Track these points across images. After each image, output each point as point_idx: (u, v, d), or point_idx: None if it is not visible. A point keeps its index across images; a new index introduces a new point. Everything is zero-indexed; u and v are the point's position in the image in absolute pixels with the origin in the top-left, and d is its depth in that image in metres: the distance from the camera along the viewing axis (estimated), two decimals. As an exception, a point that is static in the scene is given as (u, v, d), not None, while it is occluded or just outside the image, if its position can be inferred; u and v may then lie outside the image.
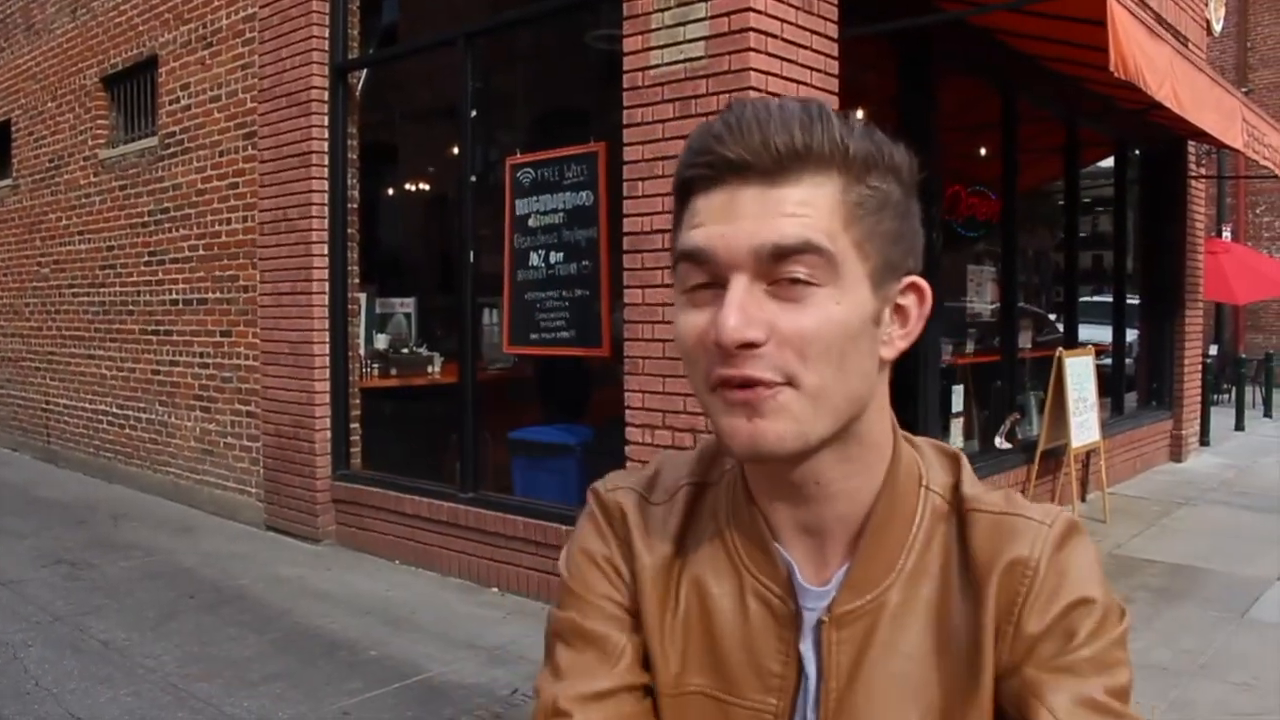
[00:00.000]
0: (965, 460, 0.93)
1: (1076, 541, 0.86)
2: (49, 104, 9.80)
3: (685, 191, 0.86)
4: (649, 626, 0.93)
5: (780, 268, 0.79)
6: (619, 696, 0.92)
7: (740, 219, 0.79)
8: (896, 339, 0.87)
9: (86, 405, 9.37)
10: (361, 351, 6.91)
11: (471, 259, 6.09)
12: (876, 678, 0.85)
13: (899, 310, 0.87)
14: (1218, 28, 10.20)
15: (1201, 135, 7.52)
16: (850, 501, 0.87)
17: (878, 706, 0.85)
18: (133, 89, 8.79)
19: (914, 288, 0.87)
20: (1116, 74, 4.53)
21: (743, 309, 0.78)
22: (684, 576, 0.94)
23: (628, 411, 4.98)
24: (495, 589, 5.67)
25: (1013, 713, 0.83)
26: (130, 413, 8.71)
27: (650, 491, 0.98)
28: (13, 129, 10.56)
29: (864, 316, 0.81)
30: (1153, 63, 4.86)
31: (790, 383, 0.79)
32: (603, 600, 0.96)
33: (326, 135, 6.73)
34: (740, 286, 0.79)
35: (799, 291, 0.79)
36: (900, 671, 0.85)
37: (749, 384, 0.79)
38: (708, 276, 0.81)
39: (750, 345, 0.78)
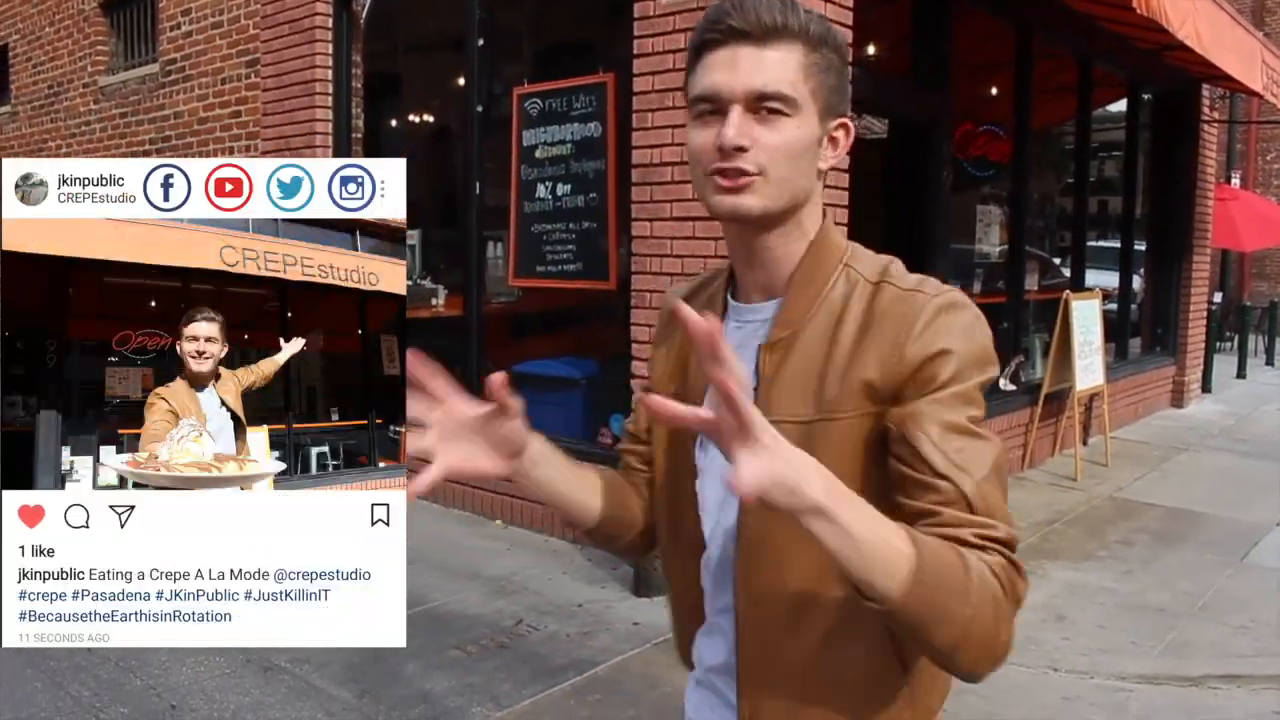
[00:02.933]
0: (898, 263, 1.28)
1: (955, 310, 1.17)
2: (47, 29, 9.65)
3: (699, 49, 1.22)
4: (654, 357, 1.44)
5: (762, 103, 1.17)
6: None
7: (738, 69, 1.18)
8: (829, 157, 1.27)
9: (88, 335, 9.35)
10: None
11: (477, 191, 6.03)
12: (784, 380, 1.22)
13: (832, 139, 1.26)
14: (1237, -32, 10.01)
15: (1219, 77, 7.41)
16: (789, 265, 1.27)
17: (784, 399, 1.21)
18: (132, 14, 8.65)
19: (844, 125, 1.27)
20: (1140, 11, 4.44)
21: (737, 126, 1.17)
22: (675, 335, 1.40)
23: (633, 345, 4.96)
24: (498, 521, 5.69)
25: (896, 431, 1.14)
26: (133, 343, 8.69)
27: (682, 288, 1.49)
28: (10, 54, 10.41)
29: (812, 138, 1.22)
30: (1175, 1, 4.77)
31: (762, 173, 1.18)
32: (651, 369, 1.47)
33: (330, 64, 6.64)
34: (736, 113, 1.17)
35: (773, 119, 1.18)
36: (801, 377, 1.21)
37: (738, 174, 1.18)
38: (713, 106, 1.19)
39: (740, 149, 1.17)
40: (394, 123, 8.16)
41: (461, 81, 6.29)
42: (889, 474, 1.14)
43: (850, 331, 1.20)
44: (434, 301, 6.93)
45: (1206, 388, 11.20)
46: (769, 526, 1.19)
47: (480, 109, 6.00)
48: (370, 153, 6.93)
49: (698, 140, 1.21)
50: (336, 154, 6.67)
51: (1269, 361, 14.41)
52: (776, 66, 1.18)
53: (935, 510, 1.09)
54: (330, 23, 6.62)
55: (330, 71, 6.64)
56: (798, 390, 1.21)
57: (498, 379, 1.13)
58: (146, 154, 8.25)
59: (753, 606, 1.25)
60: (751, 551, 1.23)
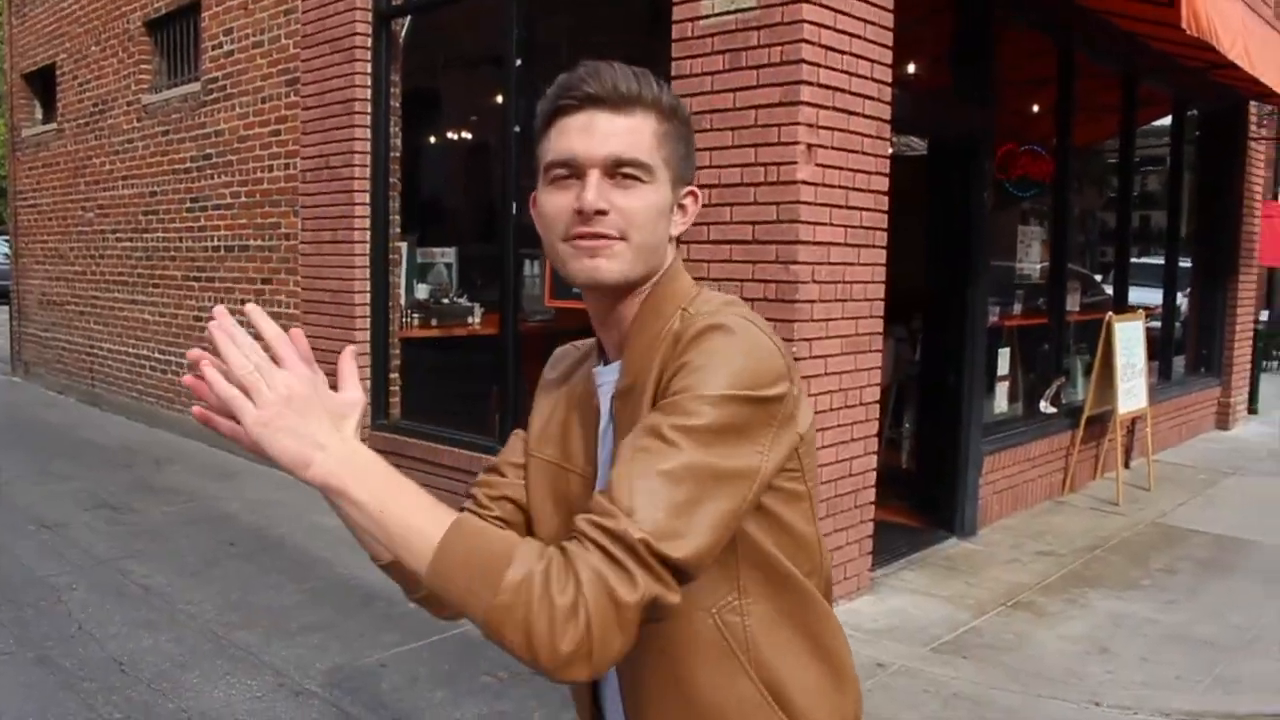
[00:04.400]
0: (724, 300, 1.28)
1: (715, 332, 1.16)
2: (93, 48, 9.80)
3: (552, 116, 1.24)
4: (535, 407, 1.44)
5: (619, 169, 1.21)
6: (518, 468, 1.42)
7: (594, 135, 1.21)
8: (679, 223, 1.31)
9: (129, 350, 9.45)
10: (402, 301, 6.89)
11: (514, 209, 6.03)
12: (625, 423, 1.22)
13: (681, 206, 1.31)
14: (1285, -17, 9.83)
15: (1268, 95, 7.26)
16: None
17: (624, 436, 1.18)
18: (176, 33, 8.76)
19: (692, 193, 1.32)
20: (1189, 31, 4.35)
21: (597, 190, 1.20)
22: (564, 392, 1.42)
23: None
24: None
25: None
26: (172, 358, 8.77)
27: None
28: (57, 73, 10.58)
29: (665, 205, 1.26)
30: (1226, 20, 4.67)
31: (623, 237, 1.21)
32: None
33: (370, 82, 6.67)
34: (595, 176, 1.20)
35: (630, 184, 1.22)
36: (635, 417, 1.19)
37: (597, 237, 1.21)
38: (569, 171, 1.22)
39: (601, 212, 1.20)
40: (432, 141, 8.19)
41: (500, 100, 6.28)
42: None
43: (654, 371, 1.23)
44: (470, 320, 6.93)
45: (1253, 409, 10.98)
46: None
47: (518, 128, 5.99)
48: (408, 171, 6.95)
49: (554, 205, 1.23)
50: (374, 172, 6.69)
51: (1318, 381, 14.09)
52: (632, 134, 1.22)
53: (595, 499, 1.08)
54: (370, 42, 6.65)
55: (370, 90, 6.67)
56: (630, 428, 1.21)
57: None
58: (188, 172, 8.33)
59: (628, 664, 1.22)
60: None
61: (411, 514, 1.05)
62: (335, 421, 1.06)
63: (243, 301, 7.69)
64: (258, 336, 1.05)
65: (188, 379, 1.05)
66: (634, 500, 1.04)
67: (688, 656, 1.22)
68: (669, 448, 1.08)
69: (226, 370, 1.02)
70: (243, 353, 1.02)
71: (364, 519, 1.04)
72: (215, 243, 8.06)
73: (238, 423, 1.02)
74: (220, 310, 1.02)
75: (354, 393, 1.11)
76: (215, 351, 1.02)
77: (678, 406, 1.11)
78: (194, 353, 1.03)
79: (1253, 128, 9.90)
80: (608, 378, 1.31)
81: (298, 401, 1.03)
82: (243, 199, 7.72)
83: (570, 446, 1.35)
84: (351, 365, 1.16)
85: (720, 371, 1.13)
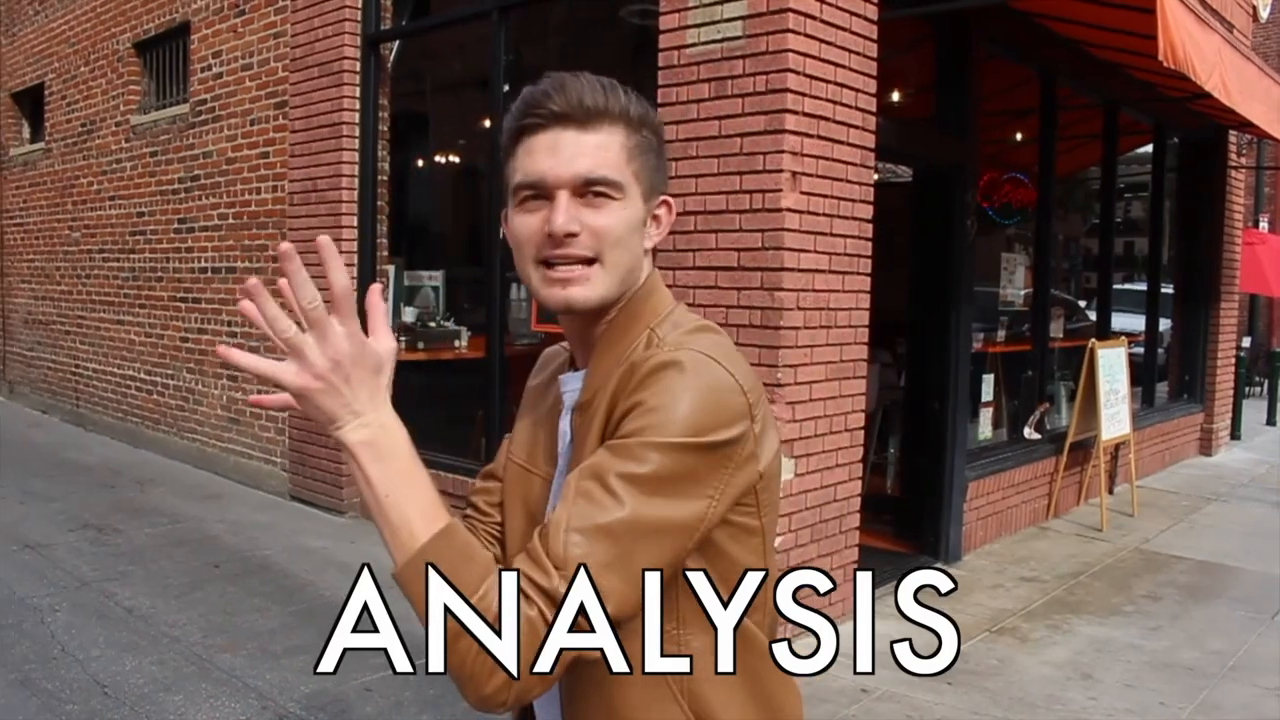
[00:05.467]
0: (697, 325, 1.25)
1: (672, 369, 1.13)
2: (82, 68, 9.82)
3: (518, 135, 1.22)
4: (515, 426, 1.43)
5: (589, 188, 1.19)
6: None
7: (561, 154, 1.19)
8: (653, 235, 1.29)
9: (115, 370, 9.43)
10: (389, 324, 6.88)
11: (501, 233, 6.04)
12: (587, 439, 1.20)
13: (655, 217, 1.29)
14: (1265, 14, 9.98)
15: (1246, 125, 7.37)
16: None
17: (587, 455, 1.16)
18: (165, 55, 8.78)
19: (665, 203, 1.30)
20: (1165, 63, 4.42)
21: (567, 212, 1.18)
22: (542, 396, 1.41)
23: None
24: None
25: None
26: (158, 379, 8.75)
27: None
28: (46, 92, 10.59)
29: (638, 219, 1.24)
30: (1202, 52, 4.75)
31: (596, 258, 1.20)
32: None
33: (358, 106, 6.70)
34: (564, 198, 1.19)
35: (601, 203, 1.20)
36: (596, 435, 1.19)
37: (568, 261, 1.20)
38: (537, 192, 1.20)
39: (571, 235, 1.18)
40: (419, 164, 8.23)
41: (486, 124, 6.32)
42: None
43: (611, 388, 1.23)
44: (457, 343, 6.95)
45: (1236, 435, 11.07)
46: None
47: (505, 153, 6.02)
48: (396, 194, 6.98)
49: (525, 227, 1.22)
50: (362, 195, 6.72)
51: (1299, 407, 14.21)
52: (600, 151, 1.20)
53: (533, 543, 1.09)
54: (358, 66, 6.69)
55: (357, 114, 6.70)
56: (595, 446, 1.19)
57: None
58: (175, 193, 8.34)
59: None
60: None
61: (409, 507, 1.08)
62: (373, 377, 1.08)
63: (229, 323, 7.71)
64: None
65: (245, 305, 1.06)
66: (568, 553, 1.04)
67: (622, 679, 1.20)
68: (611, 499, 1.07)
69: (287, 303, 1.06)
70: (307, 295, 1.04)
71: (368, 494, 1.08)
72: (202, 264, 8.06)
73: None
74: (287, 246, 1.03)
75: (387, 341, 1.11)
76: (284, 275, 1.05)
77: (628, 451, 1.09)
78: (284, 246, 1.03)
79: (1233, 156, 10.03)
80: (572, 385, 1.31)
81: (345, 364, 1.05)
82: (230, 221, 7.73)
83: (536, 450, 1.36)
84: (381, 306, 1.16)
85: (674, 415, 1.10)
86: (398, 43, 6.92)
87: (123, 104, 9.14)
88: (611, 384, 1.19)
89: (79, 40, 9.84)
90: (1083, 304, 9.26)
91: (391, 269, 6.90)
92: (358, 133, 6.72)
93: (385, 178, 6.84)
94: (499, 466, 1.43)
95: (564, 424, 1.31)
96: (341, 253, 5.38)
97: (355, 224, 6.73)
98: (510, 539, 1.35)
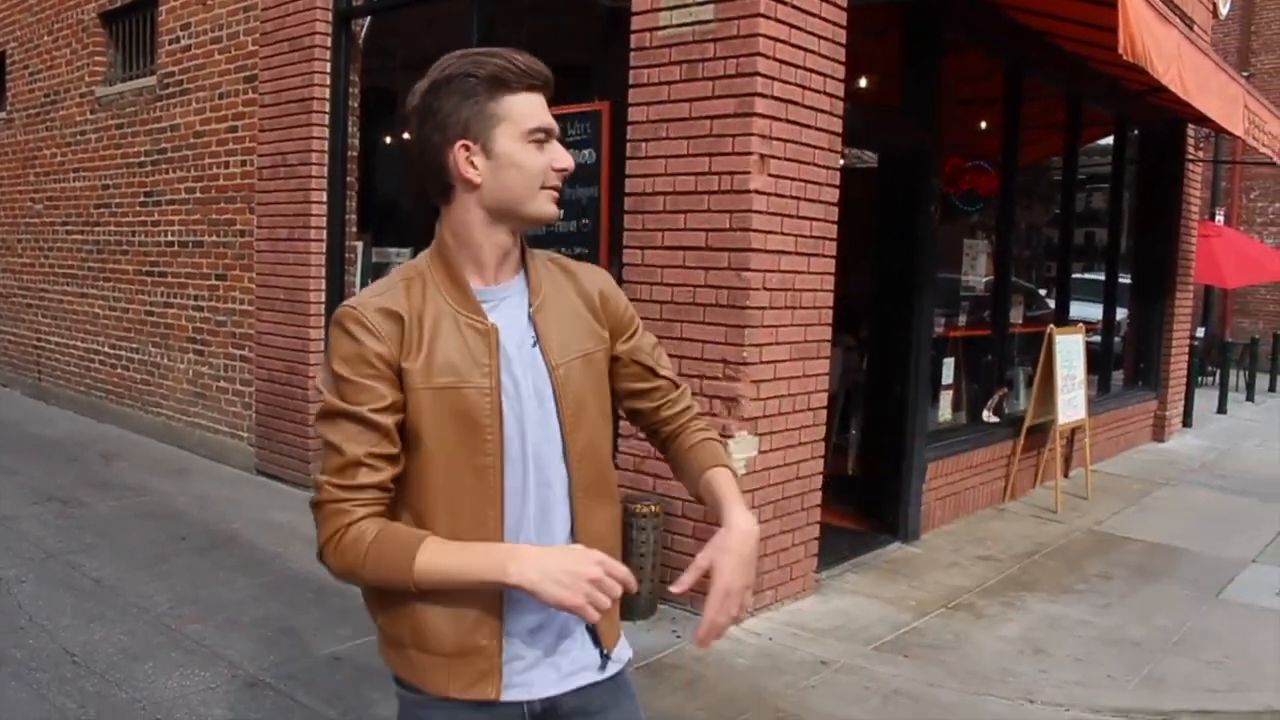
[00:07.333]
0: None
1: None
2: (45, 37, 9.69)
3: (512, 86, 1.55)
4: (405, 364, 1.51)
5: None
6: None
7: (548, 113, 1.58)
8: None
9: (79, 344, 9.36)
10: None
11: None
12: (552, 333, 1.61)
13: None
14: (1224, 11, 10.17)
15: (1203, 120, 7.53)
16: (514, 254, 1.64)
17: (559, 345, 1.61)
18: (132, 26, 8.69)
19: None
20: (1125, 56, 4.54)
21: (565, 152, 1.60)
22: (423, 330, 1.53)
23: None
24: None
25: (627, 357, 1.73)
26: (123, 353, 8.70)
27: (380, 298, 1.56)
28: (7, 61, 10.44)
29: None
30: (1160, 46, 4.87)
31: None
32: (376, 381, 1.51)
33: (329, 81, 6.70)
34: (557, 144, 1.58)
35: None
36: (561, 327, 1.63)
37: (559, 188, 1.60)
38: (546, 136, 1.56)
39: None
40: (389, 141, 8.22)
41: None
42: (622, 388, 1.74)
43: (570, 292, 1.67)
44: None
45: (1187, 422, 11.31)
46: (580, 390, 1.62)
47: (476, 132, 6.04)
48: (365, 171, 6.99)
49: (540, 161, 1.57)
50: (331, 171, 6.72)
51: (1249, 397, 14.53)
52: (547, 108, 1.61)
53: (674, 392, 1.81)
54: (329, 41, 6.68)
55: (328, 89, 6.70)
56: (567, 336, 1.62)
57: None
58: (142, 166, 8.29)
59: (579, 461, 1.61)
60: (576, 417, 1.60)
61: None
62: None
63: (195, 297, 7.68)
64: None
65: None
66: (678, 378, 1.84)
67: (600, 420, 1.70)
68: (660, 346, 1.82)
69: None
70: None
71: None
72: (169, 238, 8.02)
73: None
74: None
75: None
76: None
77: (645, 330, 1.80)
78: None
79: (1190, 150, 10.22)
80: (501, 295, 1.61)
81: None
82: (198, 194, 7.69)
83: (465, 365, 1.53)
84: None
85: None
86: (369, 19, 6.91)
87: (88, 75, 9.04)
88: (554, 279, 1.67)
89: (42, 9, 9.70)
90: (1043, 292, 9.42)
91: (360, 245, 6.91)
92: (328, 108, 6.71)
93: (355, 154, 6.84)
94: (374, 410, 1.49)
95: (510, 327, 1.58)
96: (310, 227, 5.43)
97: (324, 199, 6.73)
98: (442, 458, 1.53)
